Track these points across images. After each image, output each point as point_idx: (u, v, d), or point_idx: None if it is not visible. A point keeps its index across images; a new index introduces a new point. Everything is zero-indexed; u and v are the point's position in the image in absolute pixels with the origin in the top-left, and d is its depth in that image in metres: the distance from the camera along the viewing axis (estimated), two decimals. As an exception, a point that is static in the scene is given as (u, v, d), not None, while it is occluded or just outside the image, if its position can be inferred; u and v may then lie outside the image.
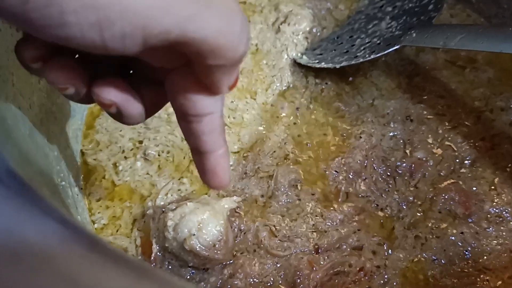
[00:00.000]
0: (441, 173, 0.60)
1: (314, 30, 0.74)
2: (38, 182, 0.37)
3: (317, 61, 0.69)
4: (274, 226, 0.57)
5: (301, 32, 0.73)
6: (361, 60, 0.64)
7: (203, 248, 0.51)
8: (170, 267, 0.54)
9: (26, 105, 0.45)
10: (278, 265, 0.54)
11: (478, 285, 0.53)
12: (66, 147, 0.58)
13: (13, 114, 0.41)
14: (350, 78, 0.69)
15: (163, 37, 0.26)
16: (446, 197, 0.58)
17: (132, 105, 0.34)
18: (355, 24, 0.74)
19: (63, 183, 0.52)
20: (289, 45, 0.72)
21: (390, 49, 0.62)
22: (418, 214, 0.58)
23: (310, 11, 0.75)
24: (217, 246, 0.52)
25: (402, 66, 0.70)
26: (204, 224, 0.51)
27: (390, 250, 0.56)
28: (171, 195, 0.59)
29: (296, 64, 0.71)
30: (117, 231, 0.57)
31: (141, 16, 0.24)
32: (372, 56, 0.64)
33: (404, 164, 0.61)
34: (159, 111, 0.64)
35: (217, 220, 0.52)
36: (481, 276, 0.54)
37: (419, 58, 0.70)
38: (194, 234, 0.51)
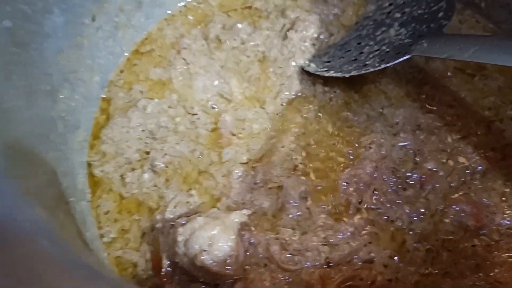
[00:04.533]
0: (452, 184, 0.60)
1: (322, 37, 0.73)
2: (53, 208, 0.36)
3: (325, 69, 0.68)
4: (285, 239, 0.56)
5: (308, 39, 0.72)
6: (371, 69, 0.63)
7: (215, 264, 0.50)
8: (180, 282, 0.53)
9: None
10: (289, 280, 0.54)
11: (490, 299, 0.53)
12: (72, 160, 0.57)
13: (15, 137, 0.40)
14: (360, 86, 0.68)
15: None
16: (457, 209, 0.58)
17: None
18: (363, 31, 0.72)
19: (72, 198, 0.51)
20: (297, 52, 0.71)
21: (401, 59, 0.61)
22: (429, 226, 0.57)
23: (317, 17, 0.73)
24: (228, 261, 0.51)
25: (411, 74, 0.69)
26: (214, 240, 0.51)
27: (401, 264, 0.55)
28: (180, 208, 0.58)
29: (304, 71, 0.70)
30: (126, 245, 0.57)
31: None
32: (382, 66, 0.63)
33: (415, 175, 0.60)
34: (166, 121, 0.65)
35: (228, 235, 0.52)
36: (493, 289, 0.53)
37: (428, 66, 0.70)
38: (205, 250, 0.50)
